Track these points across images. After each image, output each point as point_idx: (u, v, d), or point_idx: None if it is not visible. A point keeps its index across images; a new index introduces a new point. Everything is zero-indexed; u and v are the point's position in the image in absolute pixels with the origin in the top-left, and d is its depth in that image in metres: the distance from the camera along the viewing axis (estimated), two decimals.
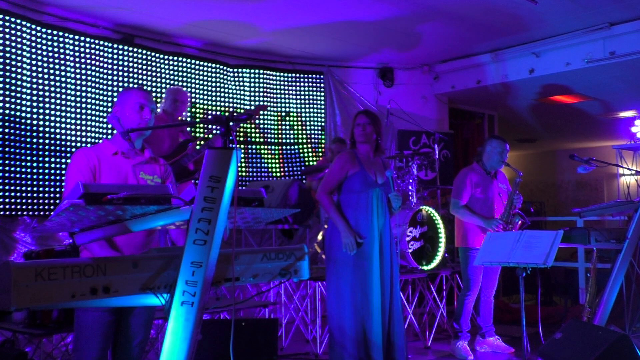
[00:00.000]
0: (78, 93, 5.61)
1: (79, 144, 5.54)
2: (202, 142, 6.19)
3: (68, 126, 5.52)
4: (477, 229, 4.89)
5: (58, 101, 5.46)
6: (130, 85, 6.06)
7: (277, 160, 7.20)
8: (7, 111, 5.11)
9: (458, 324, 4.95)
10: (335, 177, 3.97)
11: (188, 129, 5.65)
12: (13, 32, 5.16)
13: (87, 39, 5.72)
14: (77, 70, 5.62)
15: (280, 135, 7.22)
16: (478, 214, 4.87)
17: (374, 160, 4.07)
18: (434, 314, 5.59)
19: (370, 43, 6.98)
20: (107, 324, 2.60)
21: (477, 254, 4.76)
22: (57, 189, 5.34)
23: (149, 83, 6.22)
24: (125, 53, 6.04)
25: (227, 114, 6.78)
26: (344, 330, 3.80)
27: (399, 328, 3.93)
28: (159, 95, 6.24)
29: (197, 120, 6.40)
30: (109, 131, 5.77)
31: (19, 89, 5.19)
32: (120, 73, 5.99)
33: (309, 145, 7.39)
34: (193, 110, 6.59)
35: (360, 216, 3.91)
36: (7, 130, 5.09)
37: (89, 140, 5.62)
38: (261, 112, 6.80)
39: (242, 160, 6.87)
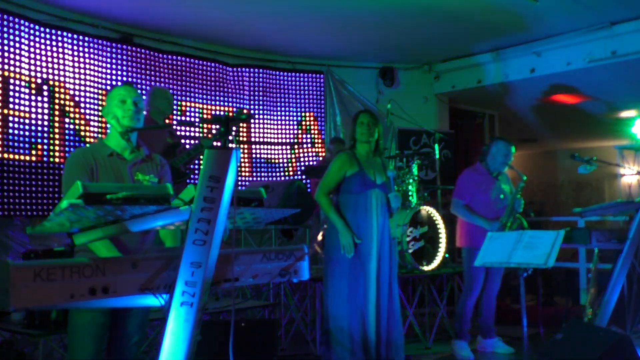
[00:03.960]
0: (77, 93, 5.59)
1: (77, 144, 5.52)
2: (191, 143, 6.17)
3: (66, 126, 5.50)
4: (480, 229, 4.85)
5: (57, 100, 5.44)
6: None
7: (276, 161, 7.19)
8: (5, 110, 5.09)
9: (459, 324, 4.93)
10: (334, 177, 3.97)
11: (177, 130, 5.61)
12: (12, 31, 5.15)
13: (86, 39, 5.71)
14: (76, 70, 5.61)
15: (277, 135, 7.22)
16: (478, 214, 4.85)
17: (373, 160, 4.07)
18: (435, 315, 5.57)
19: (370, 42, 6.97)
20: (100, 325, 2.58)
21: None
22: (55, 189, 5.32)
23: (149, 83, 6.21)
24: (124, 52, 6.03)
25: (226, 113, 6.77)
26: (344, 329, 3.80)
27: (397, 328, 3.95)
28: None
29: (197, 120, 6.40)
30: (109, 131, 5.75)
31: (17, 88, 5.18)
32: (120, 73, 5.98)
33: (309, 145, 7.37)
34: (192, 110, 6.58)
35: (360, 217, 3.92)
36: (4, 130, 5.08)
37: (88, 140, 5.61)
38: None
39: (242, 160, 6.86)
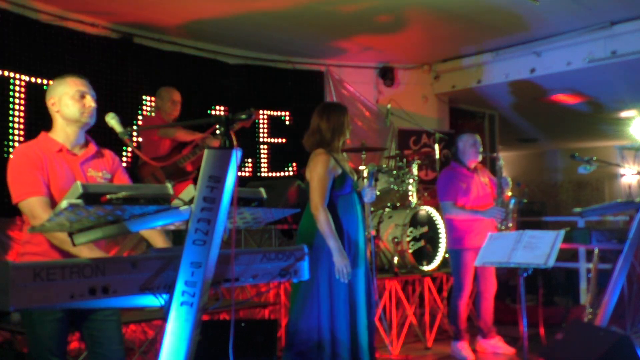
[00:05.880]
0: None
1: None
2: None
3: None
4: (467, 230, 4.83)
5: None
6: (129, 84, 6.05)
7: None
8: (4, 110, 5.09)
9: (454, 325, 4.94)
10: (326, 183, 3.62)
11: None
12: (12, 31, 5.15)
13: (86, 39, 5.71)
14: (76, 70, 5.60)
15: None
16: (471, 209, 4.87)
17: (342, 157, 3.86)
18: (435, 315, 5.57)
19: (370, 42, 6.97)
20: (64, 332, 2.53)
21: (467, 255, 4.77)
22: None
23: (148, 83, 6.20)
24: (124, 52, 6.02)
25: (226, 114, 6.77)
26: (338, 337, 3.55)
27: (371, 329, 3.72)
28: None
29: (196, 120, 6.39)
30: (107, 130, 5.74)
31: (17, 88, 5.18)
32: (119, 72, 5.97)
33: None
34: (192, 110, 6.58)
35: (350, 218, 3.71)
36: (4, 130, 5.08)
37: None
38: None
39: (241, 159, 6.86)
